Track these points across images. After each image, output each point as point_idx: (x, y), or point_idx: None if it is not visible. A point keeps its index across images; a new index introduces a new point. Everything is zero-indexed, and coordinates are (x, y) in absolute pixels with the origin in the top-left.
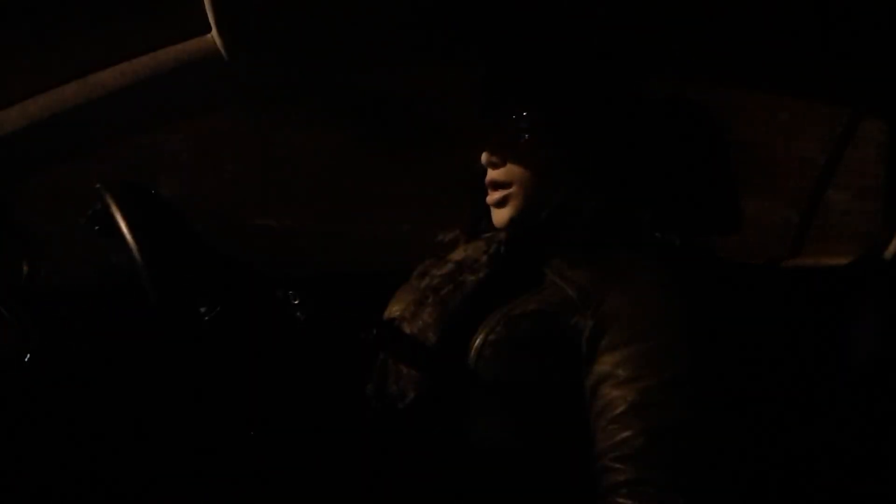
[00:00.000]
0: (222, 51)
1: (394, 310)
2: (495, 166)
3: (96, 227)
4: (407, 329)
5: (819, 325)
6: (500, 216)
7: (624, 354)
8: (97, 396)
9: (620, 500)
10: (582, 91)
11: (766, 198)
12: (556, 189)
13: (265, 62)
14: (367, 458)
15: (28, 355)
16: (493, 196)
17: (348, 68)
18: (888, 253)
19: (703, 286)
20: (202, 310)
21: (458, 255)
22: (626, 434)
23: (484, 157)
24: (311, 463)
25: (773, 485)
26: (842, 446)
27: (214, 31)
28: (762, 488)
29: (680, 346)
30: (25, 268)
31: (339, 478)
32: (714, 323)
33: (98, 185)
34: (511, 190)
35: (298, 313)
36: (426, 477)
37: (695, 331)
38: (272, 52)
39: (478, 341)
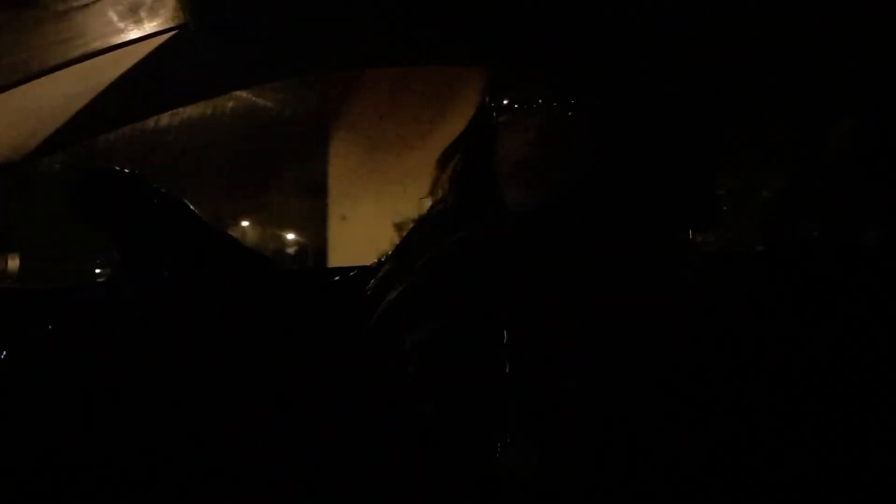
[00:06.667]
0: (198, 42)
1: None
2: (535, 149)
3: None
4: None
5: (818, 317)
6: (521, 195)
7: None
8: (77, 392)
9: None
10: (630, 81)
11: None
12: (572, 177)
13: (242, 53)
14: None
15: (3, 352)
16: (522, 175)
17: (335, 61)
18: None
19: (692, 279)
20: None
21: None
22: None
23: (528, 139)
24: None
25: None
26: (833, 443)
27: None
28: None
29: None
30: (8, 261)
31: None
32: (701, 316)
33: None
34: (543, 171)
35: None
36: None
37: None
38: (250, 43)
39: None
